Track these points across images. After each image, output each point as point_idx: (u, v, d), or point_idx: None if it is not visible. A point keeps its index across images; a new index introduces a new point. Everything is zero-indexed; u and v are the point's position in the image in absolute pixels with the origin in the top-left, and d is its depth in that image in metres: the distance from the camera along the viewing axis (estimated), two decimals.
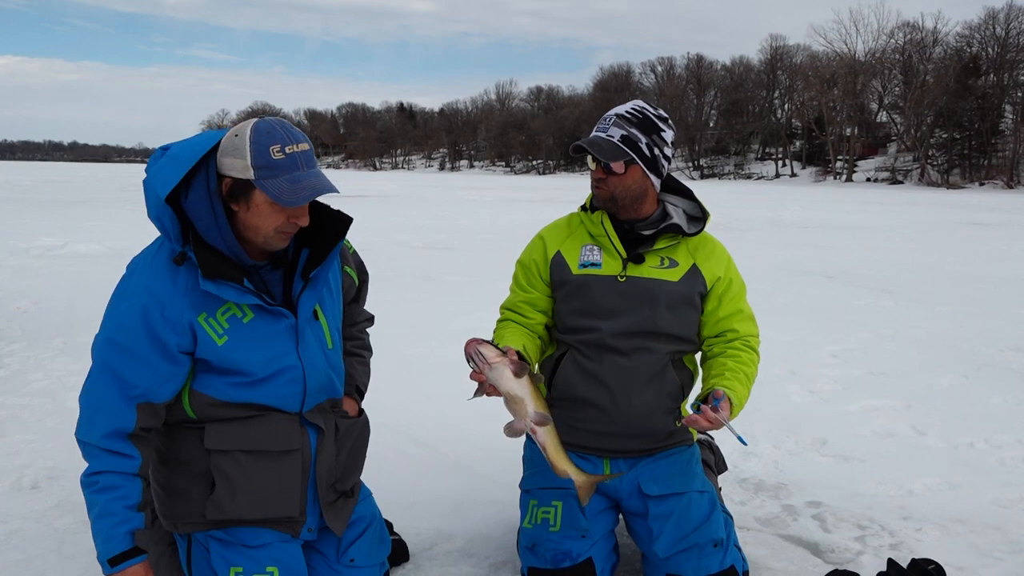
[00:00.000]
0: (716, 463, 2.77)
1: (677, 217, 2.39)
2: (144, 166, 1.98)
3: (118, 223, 15.23)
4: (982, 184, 58.24)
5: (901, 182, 63.50)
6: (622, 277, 2.34)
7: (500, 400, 2.06)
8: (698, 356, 2.52)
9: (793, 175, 76.28)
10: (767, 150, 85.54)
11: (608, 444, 2.40)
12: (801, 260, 11.33)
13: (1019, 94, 62.50)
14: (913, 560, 2.53)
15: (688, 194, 2.46)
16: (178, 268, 1.91)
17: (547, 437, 2.08)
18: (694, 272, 2.37)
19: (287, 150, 1.86)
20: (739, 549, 2.40)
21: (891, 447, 3.83)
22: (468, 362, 2.06)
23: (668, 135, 2.35)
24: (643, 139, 2.29)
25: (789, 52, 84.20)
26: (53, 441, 3.64)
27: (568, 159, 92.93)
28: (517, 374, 2.02)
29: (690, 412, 2.28)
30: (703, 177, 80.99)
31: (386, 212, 20.90)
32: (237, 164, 1.86)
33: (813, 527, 2.95)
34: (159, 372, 1.90)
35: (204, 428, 2.01)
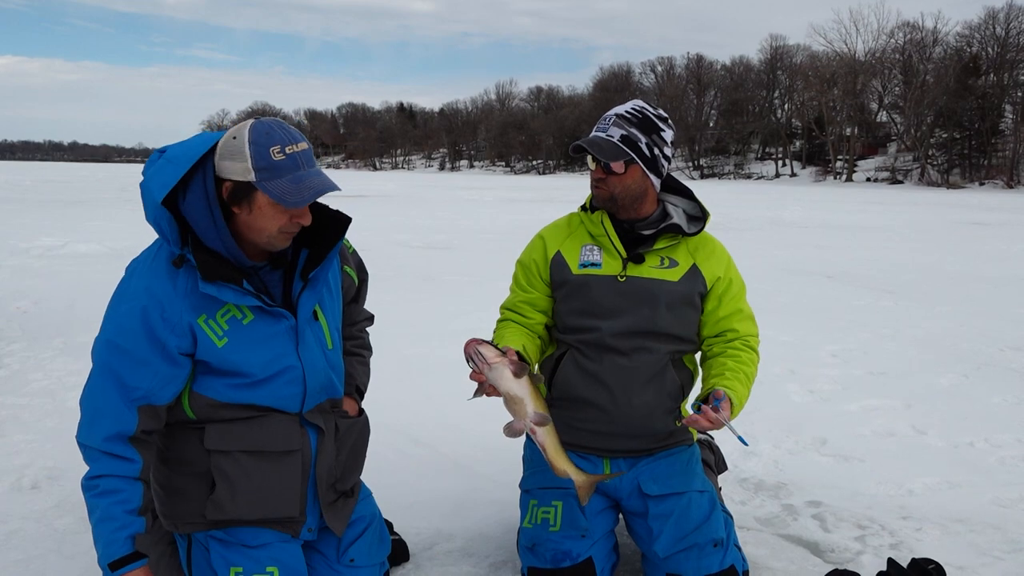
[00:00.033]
0: (716, 463, 2.77)
1: (677, 217, 2.39)
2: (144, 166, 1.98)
3: (118, 223, 15.23)
4: (982, 184, 58.24)
5: (901, 182, 63.49)
6: (622, 277, 2.34)
7: (500, 400, 2.06)
8: (698, 356, 2.52)
9: (793, 175, 76.28)
10: (767, 150, 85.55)
11: (608, 444, 2.40)
12: (801, 260, 11.33)
13: (1019, 94, 62.51)
14: (913, 560, 2.53)
15: (688, 194, 2.46)
16: (177, 270, 1.91)
17: (547, 437, 2.08)
18: (694, 272, 2.37)
19: (287, 150, 1.86)
20: (739, 549, 2.40)
21: (891, 447, 3.83)
22: (468, 362, 2.06)
23: (668, 135, 2.35)
24: (643, 139, 2.29)
25: (789, 52, 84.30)
26: (53, 441, 3.64)
27: (568, 159, 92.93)
28: (517, 374, 2.02)
29: (690, 412, 2.29)
30: (703, 177, 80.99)
31: (386, 212, 20.90)
32: (237, 167, 1.85)
33: (813, 527, 2.95)
34: (160, 374, 1.90)
35: (204, 428, 2.01)
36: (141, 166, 1.94)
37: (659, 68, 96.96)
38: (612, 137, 2.28)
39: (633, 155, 2.27)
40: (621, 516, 2.53)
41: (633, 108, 2.33)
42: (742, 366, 2.28)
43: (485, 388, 2.05)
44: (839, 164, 72.70)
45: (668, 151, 2.35)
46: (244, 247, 1.96)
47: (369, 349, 2.52)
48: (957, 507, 3.11)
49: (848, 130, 73.38)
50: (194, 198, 1.88)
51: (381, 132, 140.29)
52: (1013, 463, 3.62)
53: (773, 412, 4.23)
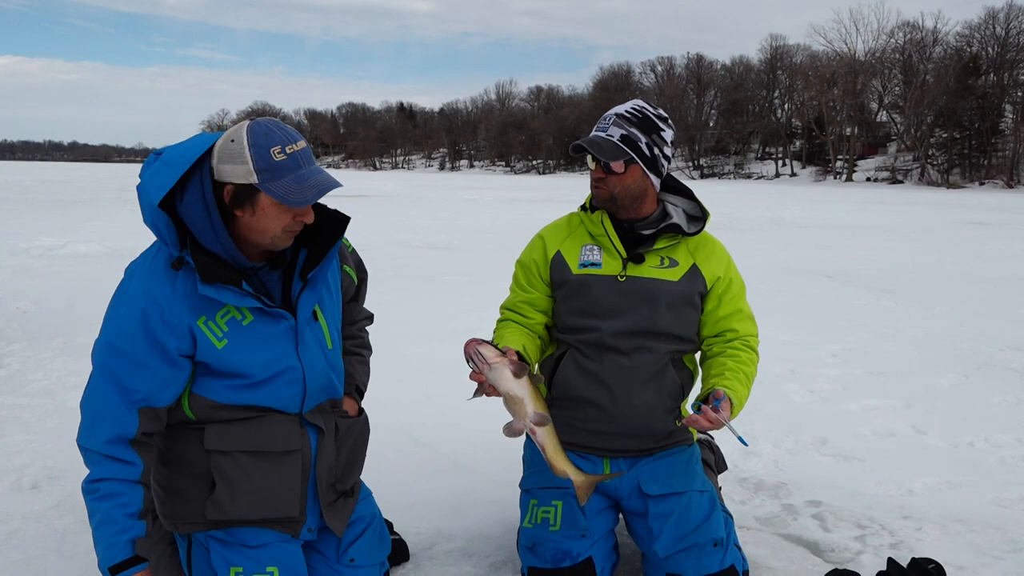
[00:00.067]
0: (716, 462, 2.77)
1: (677, 217, 2.39)
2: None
3: (118, 223, 15.23)
4: (982, 184, 58.23)
5: (901, 182, 63.49)
6: (622, 277, 2.34)
7: (500, 400, 2.06)
8: (698, 356, 2.52)
9: (793, 175, 76.28)
10: (767, 150, 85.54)
11: (608, 444, 2.40)
12: (801, 260, 11.33)
13: (1019, 94, 62.51)
14: (913, 559, 2.53)
15: (688, 194, 2.46)
16: (176, 272, 1.91)
17: (546, 437, 2.08)
18: (694, 272, 2.37)
19: (288, 150, 1.85)
20: (739, 548, 2.40)
21: (891, 447, 3.83)
22: (468, 362, 2.06)
23: (668, 134, 2.35)
24: (643, 138, 2.29)
25: (789, 52, 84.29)
26: (53, 441, 3.64)
27: (568, 159, 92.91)
28: (516, 374, 2.02)
29: (690, 412, 2.29)
30: (703, 177, 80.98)
31: (386, 212, 20.91)
32: (238, 170, 1.84)
33: (813, 526, 2.95)
34: (160, 376, 1.90)
35: (204, 429, 2.01)
36: (141, 166, 1.94)
37: (659, 68, 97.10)
38: (612, 137, 2.28)
39: (633, 155, 2.27)
40: (621, 516, 2.53)
41: (633, 108, 2.33)
42: (742, 366, 2.28)
43: (485, 388, 2.05)
44: (839, 164, 72.70)
45: (668, 151, 2.35)
46: (244, 248, 1.96)
47: (369, 348, 2.52)
48: (957, 507, 3.11)
49: (848, 130, 73.39)
50: (191, 200, 1.87)
51: (381, 132, 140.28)
52: (1013, 463, 3.62)
53: (773, 412, 4.23)
